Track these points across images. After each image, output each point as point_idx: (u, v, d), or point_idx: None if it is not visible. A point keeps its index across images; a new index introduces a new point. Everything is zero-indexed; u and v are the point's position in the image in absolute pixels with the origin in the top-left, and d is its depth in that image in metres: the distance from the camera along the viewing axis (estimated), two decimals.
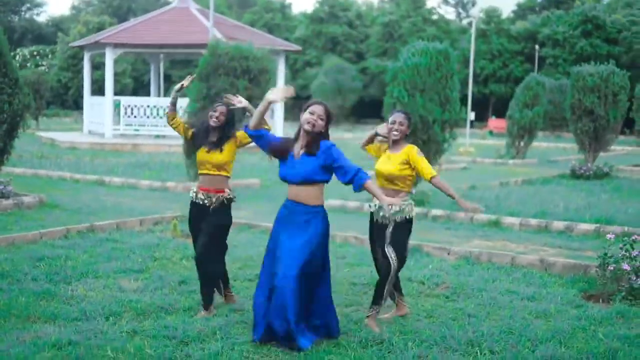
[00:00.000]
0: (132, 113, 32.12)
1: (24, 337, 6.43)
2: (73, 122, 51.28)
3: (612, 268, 8.34)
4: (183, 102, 27.95)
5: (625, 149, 36.59)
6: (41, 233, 10.75)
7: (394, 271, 7.04)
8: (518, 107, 28.14)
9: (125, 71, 65.41)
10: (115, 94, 38.33)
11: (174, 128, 7.80)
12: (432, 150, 14.76)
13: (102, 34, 36.06)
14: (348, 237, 11.41)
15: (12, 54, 49.02)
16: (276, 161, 6.82)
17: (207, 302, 7.37)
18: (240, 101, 7.43)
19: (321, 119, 6.53)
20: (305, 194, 6.56)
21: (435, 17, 72.62)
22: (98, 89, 41.04)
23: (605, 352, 6.37)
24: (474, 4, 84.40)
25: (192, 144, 7.77)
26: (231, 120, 7.53)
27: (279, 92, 6.57)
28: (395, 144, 7.29)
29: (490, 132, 49.78)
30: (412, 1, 70.55)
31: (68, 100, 65.89)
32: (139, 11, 75.39)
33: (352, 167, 6.44)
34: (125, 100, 33.09)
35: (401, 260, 7.10)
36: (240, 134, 7.49)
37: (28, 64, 64.28)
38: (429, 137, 14.56)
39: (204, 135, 7.56)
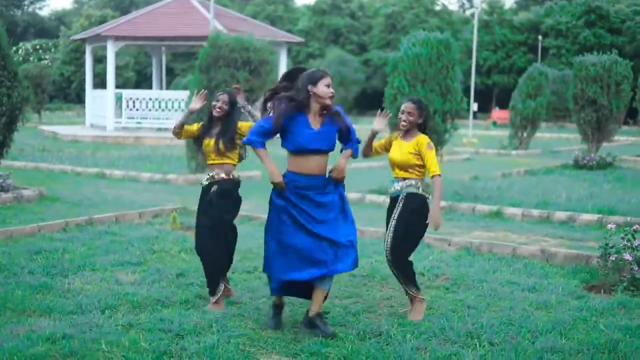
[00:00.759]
0: (134, 106, 32.05)
1: (18, 331, 6.36)
2: (76, 115, 51.24)
3: (613, 258, 8.25)
4: (183, 95, 28.04)
5: (629, 139, 36.45)
6: (39, 226, 10.68)
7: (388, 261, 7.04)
8: (521, 97, 28.03)
9: (128, 64, 65.30)
10: (118, 87, 38.35)
11: (182, 136, 7.67)
12: (434, 141, 14.55)
13: (103, 27, 35.98)
14: None
15: (14, 48, 49.12)
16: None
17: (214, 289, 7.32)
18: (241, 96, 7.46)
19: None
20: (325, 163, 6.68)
21: (438, 8, 72.43)
22: (101, 83, 41.04)
23: (606, 344, 6.29)
24: None
25: (199, 138, 7.59)
26: (235, 109, 7.45)
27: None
28: (407, 132, 7.21)
29: (494, 123, 49.64)
30: None
31: (71, 94, 65.82)
32: (141, 4, 75.13)
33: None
34: (127, 93, 33.01)
35: (396, 252, 7.03)
36: (242, 125, 7.44)
37: (31, 58, 64.17)
38: (430, 128, 14.45)
39: (208, 126, 7.48)
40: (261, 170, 17.87)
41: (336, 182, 6.63)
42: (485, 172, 19.48)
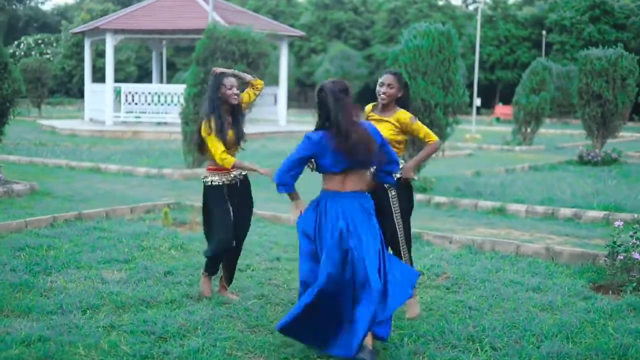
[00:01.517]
0: (132, 100, 31.65)
1: None
2: (76, 110, 50.88)
3: (621, 257, 7.86)
4: (180, 88, 27.66)
5: (634, 135, 35.99)
6: (27, 222, 10.32)
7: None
8: (524, 92, 27.64)
9: (129, 59, 64.99)
10: (120, 81, 38.00)
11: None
12: (435, 134, 14.29)
13: (102, 20, 35.61)
14: None
15: (16, 42, 48.95)
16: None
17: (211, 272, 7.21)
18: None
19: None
20: None
21: (441, 3, 71.96)
22: (102, 77, 40.61)
23: (615, 348, 5.92)
24: None
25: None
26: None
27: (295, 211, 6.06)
28: (385, 107, 6.85)
29: (497, 119, 49.24)
30: None
31: (72, 89, 65.54)
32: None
33: None
34: (125, 87, 32.65)
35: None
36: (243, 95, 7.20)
37: (33, 53, 63.85)
38: (431, 122, 14.10)
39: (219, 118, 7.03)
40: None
41: None
42: (488, 168, 19.13)
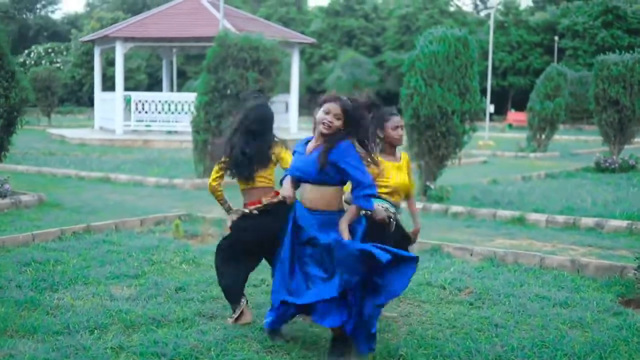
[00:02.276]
0: (143, 109, 31.41)
1: None
2: (87, 118, 50.73)
3: None
4: (191, 97, 27.37)
5: None
6: (33, 235, 10.03)
7: None
8: (539, 98, 27.32)
9: (140, 67, 64.87)
10: (130, 90, 37.75)
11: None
12: (452, 143, 14.00)
13: (111, 28, 35.38)
14: None
15: (26, 51, 48.87)
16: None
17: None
18: None
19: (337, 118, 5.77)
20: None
21: (452, 9, 71.64)
22: (112, 85, 40.45)
23: None
24: None
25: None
26: None
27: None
28: (392, 149, 6.63)
29: (510, 125, 48.88)
30: None
31: (83, 97, 65.47)
32: (153, 7, 74.77)
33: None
34: (136, 95, 32.40)
35: None
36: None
37: (43, 61, 63.80)
38: (447, 129, 13.79)
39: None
40: None
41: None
42: (504, 176, 18.79)
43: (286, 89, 34.06)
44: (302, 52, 49.67)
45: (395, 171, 6.56)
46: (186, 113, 28.98)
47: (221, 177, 6.81)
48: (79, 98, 66.33)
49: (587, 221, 12.10)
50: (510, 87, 63.04)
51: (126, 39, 32.18)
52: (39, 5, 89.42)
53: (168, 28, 32.55)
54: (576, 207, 13.39)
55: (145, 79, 65.87)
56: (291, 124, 33.21)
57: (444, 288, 7.97)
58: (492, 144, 30.04)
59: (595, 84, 21.00)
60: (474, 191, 15.22)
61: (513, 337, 6.36)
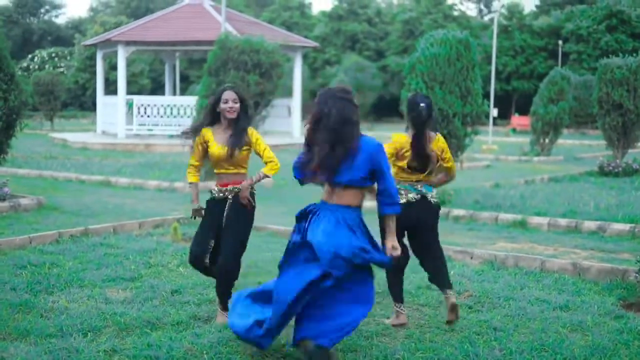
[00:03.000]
0: (145, 112, 31.40)
1: None
2: (90, 123, 50.70)
3: None
4: (192, 100, 27.33)
5: None
6: (31, 238, 9.95)
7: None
8: (542, 102, 27.21)
9: (143, 72, 64.88)
10: (133, 94, 37.71)
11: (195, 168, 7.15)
12: (453, 145, 13.89)
13: (113, 32, 35.38)
14: None
15: (30, 55, 48.90)
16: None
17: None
18: None
19: None
20: None
21: (456, 13, 71.58)
22: (115, 90, 40.49)
23: None
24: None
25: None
26: (244, 108, 6.76)
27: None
28: None
29: (513, 130, 48.78)
30: None
31: (86, 102, 65.46)
32: (157, 11, 74.85)
33: None
34: (138, 99, 32.37)
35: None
36: (252, 132, 6.79)
37: (46, 66, 63.87)
38: (449, 132, 13.70)
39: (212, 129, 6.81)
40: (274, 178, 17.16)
41: None
42: (506, 180, 18.68)
43: (289, 93, 34.02)
44: (305, 57, 49.63)
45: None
46: (188, 117, 28.97)
47: (196, 161, 7.04)
48: (82, 102, 66.35)
49: (590, 225, 12.02)
50: (514, 92, 62.92)
51: (128, 43, 32.18)
52: (42, 10, 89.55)
53: (170, 32, 32.53)
54: (579, 211, 13.30)
55: (149, 83, 65.87)
56: (294, 128, 33.15)
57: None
58: (496, 148, 29.94)
59: (598, 88, 20.90)
60: (476, 195, 15.13)
61: (512, 340, 6.28)
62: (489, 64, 46.38)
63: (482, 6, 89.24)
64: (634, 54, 21.50)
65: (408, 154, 6.65)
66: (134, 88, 56.41)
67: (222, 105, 6.68)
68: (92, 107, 60.78)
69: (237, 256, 6.65)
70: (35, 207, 13.09)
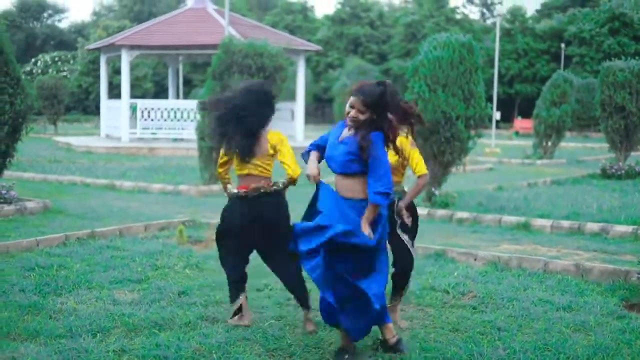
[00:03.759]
0: (149, 116, 31.47)
1: None
2: (93, 127, 50.86)
3: None
4: (195, 104, 27.38)
5: None
6: (38, 240, 10.04)
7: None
8: (545, 105, 27.27)
9: (147, 76, 64.99)
10: (136, 98, 37.77)
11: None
12: (457, 148, 13.95)
13: (117, 36, 35.47)
14: None
15: (33, 59, 48.94)
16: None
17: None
18: None
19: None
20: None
21: (458, 16, 71.66)
22: (119, 94, 40.60)
23: None
24: (500, 3, 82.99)
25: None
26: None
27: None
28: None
29: (516, 133, 48.83)
30: (434, 1, 69.68)
31: (90, 106, 65.62)
32: (160, 15, 74.92)
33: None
34: (141, 103, 32.45)
35: None
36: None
37: (50, 70, 63.98)
38: (452, 135, 13.76)
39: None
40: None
41: None
42: (510, 182, 18.74)
43: (292, 97, 34.08)
44: (308, 60, 49.72)
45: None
46: (192, 120, 29.04)
47: (226, 162, 6.86)
48: (85, 106, 66.48)
49: (592, 226, 12.08)
50: (517, 95, 63.00)
51: (132, 47, 32.27)
52: (45, 14, 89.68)
53: (173, 36, 32.62)
54: (582, 213, 13.36)
55: (152, 87, 66.01)
56: (297, 132, 33.21)
57: (448, 292, 7.96)
58: (499, 152, 30.00)
59: (601, 90, 20.96)
60: (479, 197, 15.20)
61: (516, 340, 6.35)
62: (492, 67, 46.42)
63: (484, 9, 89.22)
64: (637, 57, 21.60)
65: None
66: (137, 92, 56.50)
67: None
68: (95, 111, 60.96)
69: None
70: (41, 210, 13.17)
